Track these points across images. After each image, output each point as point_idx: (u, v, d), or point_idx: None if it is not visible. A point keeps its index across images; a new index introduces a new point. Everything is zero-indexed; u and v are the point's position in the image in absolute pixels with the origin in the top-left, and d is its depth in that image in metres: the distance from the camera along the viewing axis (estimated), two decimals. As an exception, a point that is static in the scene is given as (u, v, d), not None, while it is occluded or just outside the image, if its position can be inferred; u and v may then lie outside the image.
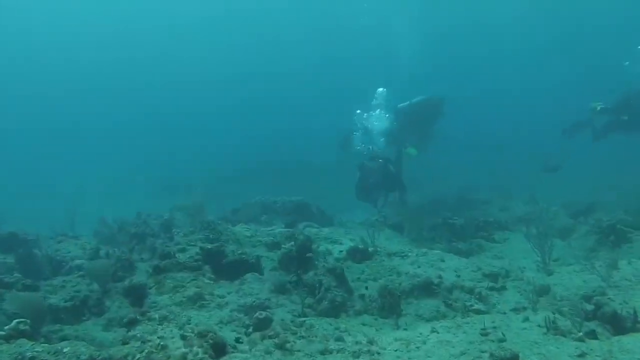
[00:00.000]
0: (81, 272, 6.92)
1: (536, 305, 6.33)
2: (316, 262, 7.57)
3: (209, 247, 7.45)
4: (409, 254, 8.34)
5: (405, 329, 5.83)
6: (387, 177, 12.32)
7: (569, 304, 6.18)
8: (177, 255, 7.16)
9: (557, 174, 15.49)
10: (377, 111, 15.33)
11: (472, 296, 6.88)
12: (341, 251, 8.35)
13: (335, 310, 6.39)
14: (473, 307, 6.49)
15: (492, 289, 7.15)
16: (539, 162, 16.05)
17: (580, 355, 4.59)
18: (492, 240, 10.19)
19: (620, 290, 6.76)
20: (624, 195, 13.60)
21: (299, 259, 7.48)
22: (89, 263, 7.09)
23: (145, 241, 8.79)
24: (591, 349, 4.71)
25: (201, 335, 4.68)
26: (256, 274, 7.21)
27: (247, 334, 5.59)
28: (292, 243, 7.85)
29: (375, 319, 6.32)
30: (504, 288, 7.21)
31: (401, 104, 15.82)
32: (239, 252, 7.53)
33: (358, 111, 15.36)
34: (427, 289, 6.96)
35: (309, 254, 7.58)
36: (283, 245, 8.19)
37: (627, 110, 13.07)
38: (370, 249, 8.16)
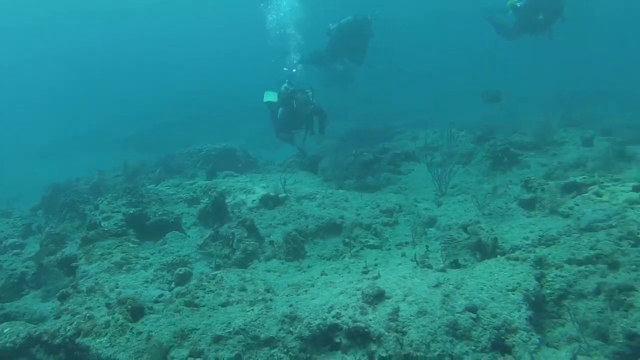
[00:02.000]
0: (15, 250, 7.59)
1: (416, 239, 7.29)
2: (231, 215, 8.40)
3: (132, 211, 8.15)
4: (317, 195, 9.09)
5: (304, 272, 6.71)
6: (316, 107, 12.27)
7: (454, 234, 6.92)
8: (102, 224, 7.85)
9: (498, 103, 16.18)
10: None
11: (369, 232, 7.78)
12: (254, 200, 8.99)
13: (248, 259, 7.24)
14: (369, 244, 7.45)
15: (386, 224, 8.03)
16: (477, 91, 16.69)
17: (436, 286, 5.19)
18: (399, 172, 10.82)
19: (492, 218, 7.64)
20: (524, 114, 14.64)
21: (214, 214, 8.29)
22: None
23: (76, 209, 9.42)
24: (448, 279, 5.31)
25: (121, 302, 5.52)
26: (177, 232, 8.02)
27: (170, 290, 6.49)
28: (207, 199, 8.65)
29: (282, 263, 7.13)
30: (396, 223, 8.09)
31: (332, 25, 16.19)
32: (159, 213, 8.27)
33: None
34: (330, 229, 7.90)
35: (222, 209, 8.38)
36: (202, 201, 8.99)
37: (543, 9, 13.46)
38: (281, 196, 8.92)
